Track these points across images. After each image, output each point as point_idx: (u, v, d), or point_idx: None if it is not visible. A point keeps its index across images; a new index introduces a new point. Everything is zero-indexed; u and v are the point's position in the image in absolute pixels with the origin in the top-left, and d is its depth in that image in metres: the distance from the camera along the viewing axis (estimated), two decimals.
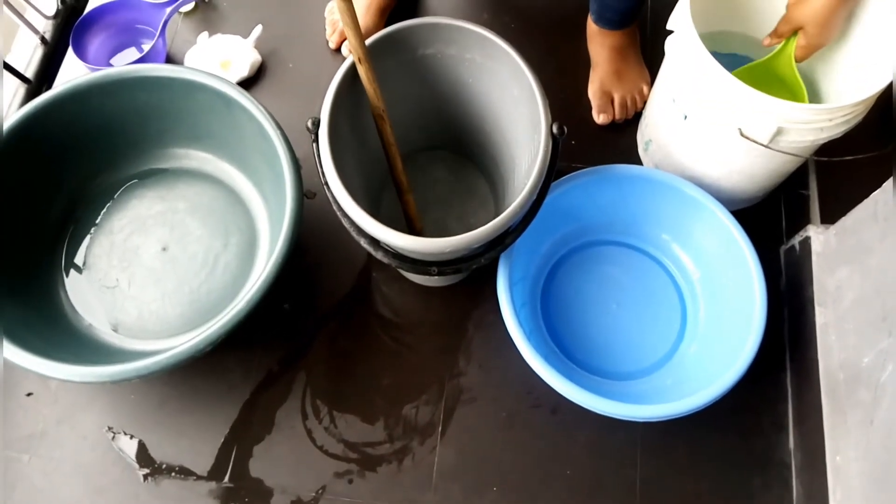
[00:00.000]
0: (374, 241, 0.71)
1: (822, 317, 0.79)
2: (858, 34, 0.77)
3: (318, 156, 0.70)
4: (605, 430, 0.82)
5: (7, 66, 0.96)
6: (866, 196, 0.73)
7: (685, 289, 0.88)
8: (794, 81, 0.80)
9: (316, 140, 0.70)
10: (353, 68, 0.72)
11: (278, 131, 0.79)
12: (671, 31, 0.78)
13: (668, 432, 0.82)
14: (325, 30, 1.06)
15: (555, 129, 0.69)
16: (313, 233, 0.93)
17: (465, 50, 0.75)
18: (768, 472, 0.81)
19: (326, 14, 1.07)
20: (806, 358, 0.81)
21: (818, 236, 0.83)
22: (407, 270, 0.78)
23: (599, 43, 1.00)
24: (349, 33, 0.68)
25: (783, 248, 0.90)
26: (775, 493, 0.80)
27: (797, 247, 0.86)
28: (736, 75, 0.72)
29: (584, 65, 1.03)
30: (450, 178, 0.89)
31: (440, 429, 0.83)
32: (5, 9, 0.96)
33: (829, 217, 0.84)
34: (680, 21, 0.75)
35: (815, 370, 0.78)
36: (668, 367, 0.83)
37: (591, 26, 1.01)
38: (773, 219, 0.93)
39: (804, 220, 0.89)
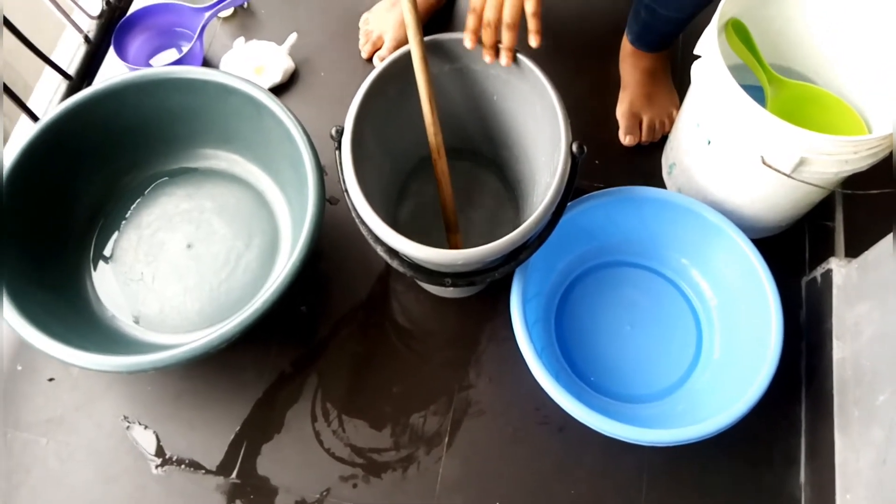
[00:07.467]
0: (391, 250, 0.72)
1: (840, 351, 0.78)
2: None
3: (340, 164, 0.71)
4: (613, 452, 0.82)
5: (50, 63, 0.99)
6: (891, 231, 0.72)
7: (702, 315, 0.87)
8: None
9: (339, 148, 0.71)
10: (379, 79, 0.73)
11: (305, 137, 0.81)
12: (698, 56, 0.78)
13: (677, 458, 0.81)
14: (358, 39, 1.08)
15: (574, 149, 0.69)
16: (334, 239, 0.94)
17: (490, 66, 0.76)
18: None
19: (361, 24, 1.08)
20: (821, 392, 0.80)
21: (840, 269, 0.82)
22: (422, 281, 0.79)
23: (632, 64, 1.00)
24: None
25: (805, 279, 0.89)
26: None
27: (819, 279, 0.85)
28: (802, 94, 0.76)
29: (613, 85, 1.03)
30: (470, 189, 0.90)
31: (447, 440, 0.83)
32: (53, 8, 1.00)
33: (854, 250, 0.83)
34: (707, 46, 0.75)
35: (830, 405, 0.77)
36: (680, 393, 0.83)
37: (626, 46, 1.01)
38: (797, 249, 0.92)
39: (827, 252, 0.88)
